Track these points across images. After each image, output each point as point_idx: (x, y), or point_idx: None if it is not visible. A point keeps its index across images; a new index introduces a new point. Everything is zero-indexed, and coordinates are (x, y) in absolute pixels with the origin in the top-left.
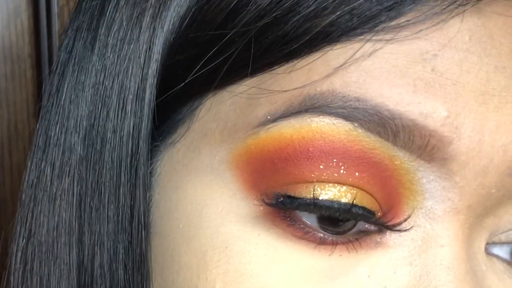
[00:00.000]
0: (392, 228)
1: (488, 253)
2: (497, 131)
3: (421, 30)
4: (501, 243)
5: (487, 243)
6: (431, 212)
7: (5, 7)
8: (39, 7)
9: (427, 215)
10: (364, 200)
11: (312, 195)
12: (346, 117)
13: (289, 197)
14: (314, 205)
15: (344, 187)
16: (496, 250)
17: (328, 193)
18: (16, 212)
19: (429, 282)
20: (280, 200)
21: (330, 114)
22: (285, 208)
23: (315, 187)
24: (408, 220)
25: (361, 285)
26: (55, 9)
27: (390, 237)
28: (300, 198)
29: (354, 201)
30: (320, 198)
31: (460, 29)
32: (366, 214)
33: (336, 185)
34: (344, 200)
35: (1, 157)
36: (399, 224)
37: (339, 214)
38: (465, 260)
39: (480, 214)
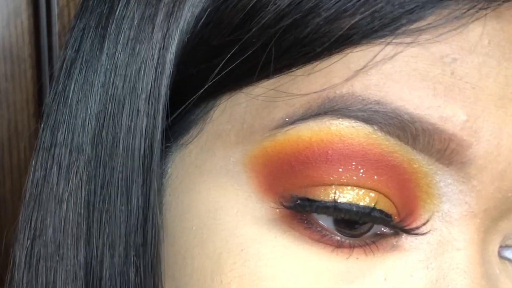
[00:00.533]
0: (410, 232)
1: (501, 256)
2: None
3: (441, 34)
4: None
5: (500, 246)
6: (448, 216)
7: (5, 7)
8: (39, 7)
9: (443, 219)
10: (382, 204)
11: (330, 198)
12: (366, 120)
13: (308, 199)
14: (333, 208)
15: (363, 190)
16: (509, 254)
17: (346, 196)
18: (17, 212)
19: (445, 285)
20: (298, 202)
21: (349, 117)
22: (303, 211)
23: (334, 190)
24: (426, 224)
25: None
26: (55, 9)
27: (406, 240)
28: (318, 201)
29: (374, 205)
30: (339, 201)
31: (480, 34)
32: (385, 218)
33: (354, 188)
34: (363, 203)
35: (1, 157)
36: (417, 228)
37: (358, 217)
38: (481, 264)
39: (496, 218)
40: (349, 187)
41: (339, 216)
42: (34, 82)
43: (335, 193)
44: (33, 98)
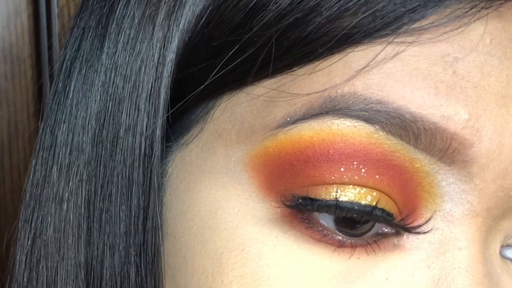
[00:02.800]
0: (411, 230)
1: (502, 255)
2: None
3: (443, 33)
4: None
5: (502, 246)
6: (450, 215)
7: (5, 7)
8: (39, 7)
9: (445, 218)
10: (384, 202)
11: (332, 197)
12: (368, 120)
13: (309, 198)
14: (335, 207)
15: (364, 189)
16: (510, 253)
17: (348, 194)
18: (17, 212)
19: (447, 285)
20: (299, 201)
21: (351, 116)
22: (305, 209)
23: (336, 189)
24: (428, 223)
25: None
26: (55, 9)
27: (408, 239)
28: (320, 200)
29: (376, 203)
30: (341, 199)
31: (481, 33)
32: (386, 217)
33: (356, 187)
34: (364, 202)
35: (1, 157)
36: (419, 226)
37: (360, 216)
38: (483, 263)
39: (497, 217)
40: (350, 186)
41: (341, 214)
42: (34, 82)
43: (336, 191)
44: (33, 98)
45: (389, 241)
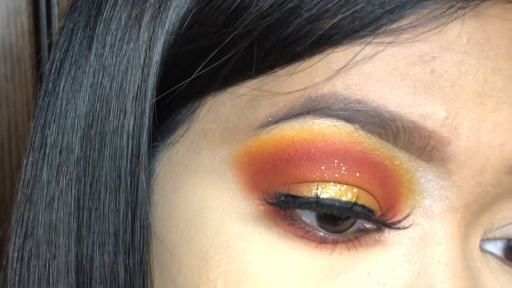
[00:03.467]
0: (391, 226)
1: (482, 250)
2: (494, 131)
3: (421, 33)
4: (495, 239)
5: (482, 240)
6: (429, 211)
7: (5, 7)
8: (39, 7)
9: (425, 214)
10: (364, 199)
11: (313, 194)
12: (347, 119)
13: (291, 196)
14: (316, 203)
15: (345, 186)
16: (490, 247)
17: (329, 191)
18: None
19: (427, 279)
20: (281, 199)
21: (331, 116)
22: (287, 206)
23: (317, 186)
24: (407, 218)
25: (361, 283)
26: (55, 9)
27: (389, 235)
28: (301, 197)
29: (356, 200)
30: (322, 196)
31: (458, 32)
32: (367, 213)
33: (337, 184)
34: (344, 198)
35: (1, 157)
36: (399, 222)
37: (340, 212)
38: (462, 258)
39: (476, 212)
40: (331, 183)
41: (322, 211)
42: (34, 82)
43: (317, 189)
44: (33, 98)
45: (370, 237)
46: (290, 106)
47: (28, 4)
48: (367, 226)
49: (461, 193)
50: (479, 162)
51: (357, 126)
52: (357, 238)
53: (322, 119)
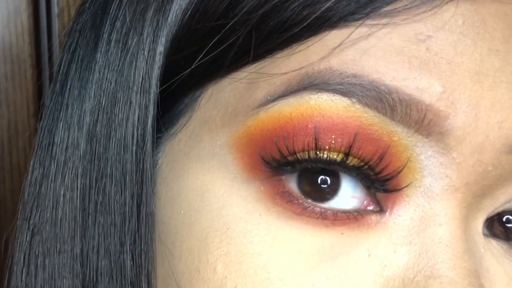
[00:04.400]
0: (391, 190)
1: (485, 235)
2: (492, 108)
3: (416, 15)
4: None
5: (485, 225)
6: (430, 191)
7: (5, 7)
8: (39, 7)
9: (425, 194)
10: (361, 152)
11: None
12: (344, 93)
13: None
14: (314, 152)
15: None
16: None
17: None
18: (17, 211)
19: (428, 259)
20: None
21: (328, 90)
22: (284, 164)
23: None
24: (407, 183)
25: (362, 264)
26: (55, 9)
27: (390, 216)
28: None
29: (351, 150)
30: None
31: (454, 14)
32: (364, 167)
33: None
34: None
35: (1, 157)
36: (399, 185)
37: (338, 164)
38: (463, 239)
39: (478, 194)
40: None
41: (321, 163)
42: (34, 82)
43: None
44: (33, 98)
45: (371, 218)
46: (287, 83)
47: (28, 4)
48: (369, 208)
49: (461, 171)
50: (478, 139)
51: (353, 100)
52: (358, 219)
53: (319, 93)
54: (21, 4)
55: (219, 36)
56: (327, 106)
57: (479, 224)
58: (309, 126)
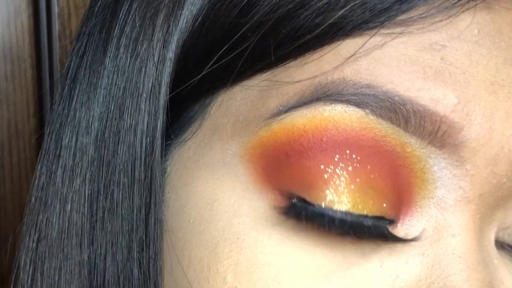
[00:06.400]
0: (402, 240)
1: (498, 247)
2: (508, 120)
3: (431, 24)
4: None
5: (496, 237)
6: (443, 202)
7: (5, 7)
8: (39, 7)
9: (438, 205)
10: (374, 207)
11: (327, 201)
12: (358, 104)
13: (303, 200)
14: (328, 217)
15: (357, 194)
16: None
17: (342, 200)
18: (17, 212)
19: (441, 271)
20: (293, 201)
21: (341, 101)
22: (297, 214)
23: (330, 190)
24: (420, 221)
25: (374, 275)
26: (55, 9)
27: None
28: (313, 205)
29: (365, 211)
30: (334, 208)
31: (469, 23)
32: (378, 223)
33: (349, 190)
34: (356, 211)
35: (1, 157)
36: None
37: (351, 228)
38: (477, 251)
39: (491, 206)
40: (343, 187)
41: (334, 227)
42: (34, 82)
43: (331, 194)
44: (33, 98)
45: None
46: (300, 94)
47: (28, 4)
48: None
49: (475, 183)
50: (493, 151)
51: (367, 111)
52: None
53: (333, 105)
54: (21, 4)
55: (230, 43)
56: (341, 118)
57: (491, 235)
58: (323, 139)
